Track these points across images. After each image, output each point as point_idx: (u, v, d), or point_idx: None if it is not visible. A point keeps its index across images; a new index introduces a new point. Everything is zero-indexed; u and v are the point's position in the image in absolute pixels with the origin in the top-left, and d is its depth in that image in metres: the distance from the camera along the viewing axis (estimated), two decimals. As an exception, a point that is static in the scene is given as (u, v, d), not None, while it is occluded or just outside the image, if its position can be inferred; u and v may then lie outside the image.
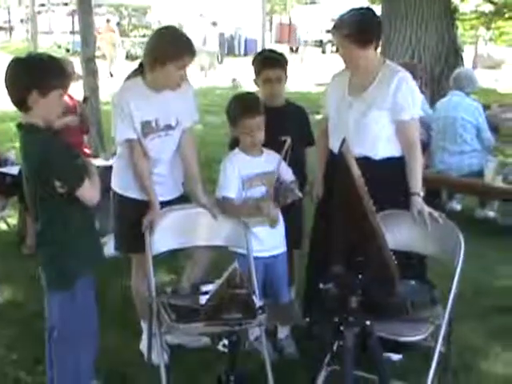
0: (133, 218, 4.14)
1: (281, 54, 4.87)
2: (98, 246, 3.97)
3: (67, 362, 3.73)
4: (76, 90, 7.44)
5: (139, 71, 4.19)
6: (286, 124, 4.43)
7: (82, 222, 3.65)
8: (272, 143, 4.28)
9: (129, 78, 4.27)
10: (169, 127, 4.22)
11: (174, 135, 4.26)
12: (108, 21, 29.51)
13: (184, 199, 4.41)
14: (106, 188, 5.65)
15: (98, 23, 30.71)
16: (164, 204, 4.25)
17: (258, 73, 4.70)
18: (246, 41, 35.08)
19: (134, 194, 4.25)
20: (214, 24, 26.99)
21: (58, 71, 3.49)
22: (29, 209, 3.79)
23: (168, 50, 4.01)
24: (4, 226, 7.03)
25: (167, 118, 4.20)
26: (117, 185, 4.36)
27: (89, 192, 3.53)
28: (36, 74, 3.38)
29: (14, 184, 6.12)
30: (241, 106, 4.27)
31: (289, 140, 4.16)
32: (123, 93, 4.17)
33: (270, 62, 4.69)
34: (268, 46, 24.87)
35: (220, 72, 24.30)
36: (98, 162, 6.54)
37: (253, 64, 4.79)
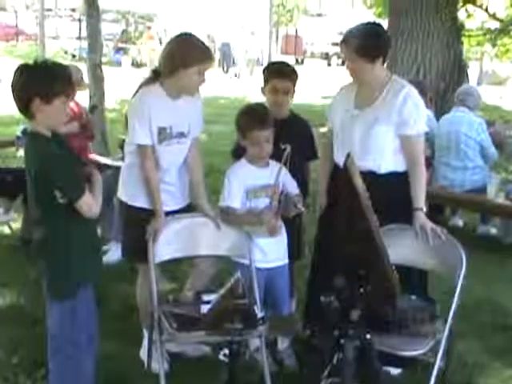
0: (141, 227, 4.14)
1: (291, 67, 4.88)
2: (99, 256, 3.99)
3: (67, 369, 3.73)
4: (82, 97, 7.44)
5: (154, 78, 4.21)
6: (289, 136, 4.43)
7: (83, 231, 3.64)
8: (274, 155, 4.31)
9: (142, 85, 4.29)
10: (181, 135, 4.25)
11: (185, 143, 4.30)
12: (149, 28, 29.88)
13: (191, 209, 4.43)
14: (109, 197, 5.69)
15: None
16: (171, 214, 4.27)
17: (266, 82, 4.71)
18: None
19: (142, 203, 4.25)
20: (253, 33, 28.18)
21: (62, 79, 3.49)
22: (31, 215, 3.79)
23: (192, 54, 4.05)
24: (7, 230, 7.03)
25: (180, 125, 4.23)
26: (125, 194, 4.37)
27: (88, 206, 3.50)
28: (39, 81, 3.39)
29: (17, 183, 6.13)
30: (252, 117, 4.29)
31: (288, 148, 4.17)
32: (144, 98, 4.18)
33: (279, 73, 4.69)
34: (274, 58, 24.97)
35: (224, 82, 24.32)
36: (109, 161, 6.57)
37: (263, 73, 4.81)
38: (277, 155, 4.28)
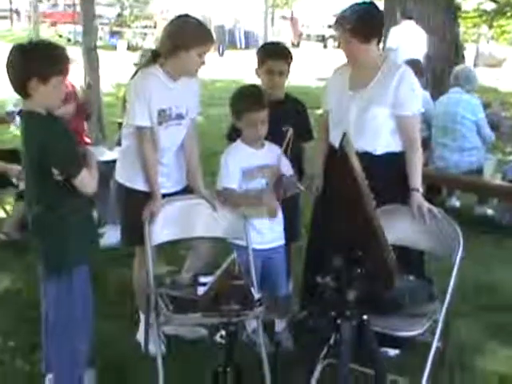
0: (139, 209, 4.13)
1: (286, 48, 4.87)
2: (95, 234, 4.01)
3: (63, 348, 3.74)
4: (76, 78, 7.36)
5: (153, 60, 4.18)
6: (285, 117, 4.43)
7: (79, 209, 3.65)
8: (270, 136, 4.31)
9: (142, 66, 4.27)
10: (180, 116, 4.24)
11: (183, 125, 4.29)
12: (161, 12, 30.42)
13: (188, 191, 4.42)
14: (106, 180, 5.67)
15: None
16: (169, 196, 4.27)
17: (261, 63, 4.69)
18: (246, 33, 35.04)
19: (140, 185, 4.24)
20: (284, 18, 29.96)
21: (58, 58, 3.48)
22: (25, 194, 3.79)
23: (193, 35, 4.04)
24: (1, 214, 7.00)
25: (179, 106, 4.22)
26: (124, 177, 4.35)
27: (86, 181, 3.52)
28: (36, 60, 3.38)
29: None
30: (246, 99, 4.28)
31: (291, 130, 4.16)
32: (144, 80, 4.16)
33: (274, 54, 4.67)
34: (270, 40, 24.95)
35: (221, 64, 24.23)
36: (100, 154, 6.51)
37: (257, 54, 4.79)
38: (276, 137, 4.27)
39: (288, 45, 28.68)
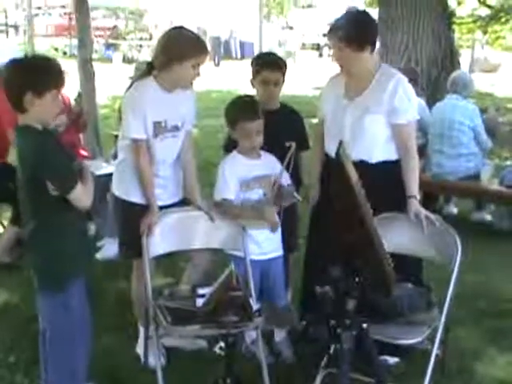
0: (136, 222, 4.12)
1: (280, 58, 4.89)
2: (90, 247, 4.01)
3: (61, 363, 3.74)
4: (70, 91, 7.34)
5: (148, 72, 4.19)
6: (281, 128, 4.43)
7: (73, 223, 3.65)
8: (267, 146, 4.31)
9: (138, 78, 4.27)
10: (175, 128, 4.24)
11: (179, 137, 4.29)
12: (156, 26, 30.94)
13: (186, 203, 4.42)
14: (104, 193, 5.66)
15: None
16: (166, 208, 4.27)
17: (256, 73, 4.70)
18: (241, 44, 35.11)
19: (136, 198, 4.23)
20: (291, 28, 30.55)
21: (53, 72, 3.49)
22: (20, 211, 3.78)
23: (187, 47, 4.04)
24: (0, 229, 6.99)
25: (175, 118, 4.22)
26: (120, 190, 4.34)
27: (81, 196, 3.52)
28: (31, 75, 3.40)
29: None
30: (240, 109, 4.29)
31: (293, 145, 4.16)
32: (138, 92, 4.17)
33: (270, 64, 4.68)
34: (265, 50, 24.96)
35: (216, 75, 24.24)
36: (98, 168, 6.49)
37: (251, 64, 4.79)
38: (273, 147, 4.28)
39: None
